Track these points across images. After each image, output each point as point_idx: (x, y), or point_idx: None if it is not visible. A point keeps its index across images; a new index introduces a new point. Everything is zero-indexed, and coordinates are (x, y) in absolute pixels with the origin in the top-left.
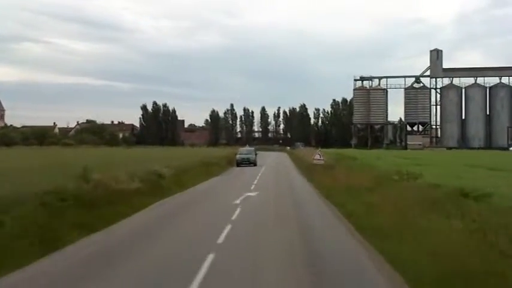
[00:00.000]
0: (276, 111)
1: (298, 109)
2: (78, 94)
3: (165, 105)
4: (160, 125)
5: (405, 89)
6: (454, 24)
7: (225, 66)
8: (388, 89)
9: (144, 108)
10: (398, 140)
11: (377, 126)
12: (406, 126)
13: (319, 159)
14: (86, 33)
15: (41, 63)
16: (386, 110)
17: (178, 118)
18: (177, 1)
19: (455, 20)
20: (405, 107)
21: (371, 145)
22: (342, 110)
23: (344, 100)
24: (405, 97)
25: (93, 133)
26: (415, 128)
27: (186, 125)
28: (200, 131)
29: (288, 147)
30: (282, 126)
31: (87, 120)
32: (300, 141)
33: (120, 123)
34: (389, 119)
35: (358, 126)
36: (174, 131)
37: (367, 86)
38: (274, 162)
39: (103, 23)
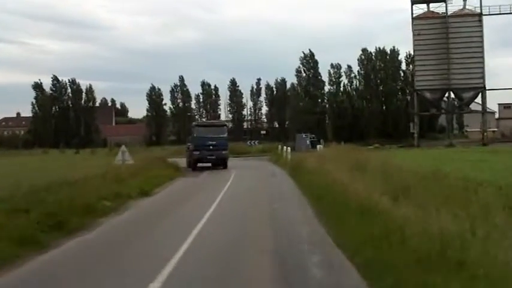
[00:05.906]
0: (255, 86)
1: (298, 74)
2: None
3: (73, 82)
4: (64, 114)
5: None
6: None
7: (205, 61)
8: (485, 16)
9: (37, 87)
10: (456, 125)
11: (467, 95)
12: None
13: None
14: (62, 32)
15: (16, 64)
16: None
17: (115, 104)
18: None
19: None
20: None
21: (428, 136)
22: (378, 70)
23: (381, 52)
24: None
25: None
26: None
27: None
28: (141, 124)
29: (287, 148)
30: (264, 109)
31: None
32: (304, 131)
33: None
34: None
35: (427, 95)
36: (90, 123)
37: (439, 12)
38: None
39: (79, 21)
